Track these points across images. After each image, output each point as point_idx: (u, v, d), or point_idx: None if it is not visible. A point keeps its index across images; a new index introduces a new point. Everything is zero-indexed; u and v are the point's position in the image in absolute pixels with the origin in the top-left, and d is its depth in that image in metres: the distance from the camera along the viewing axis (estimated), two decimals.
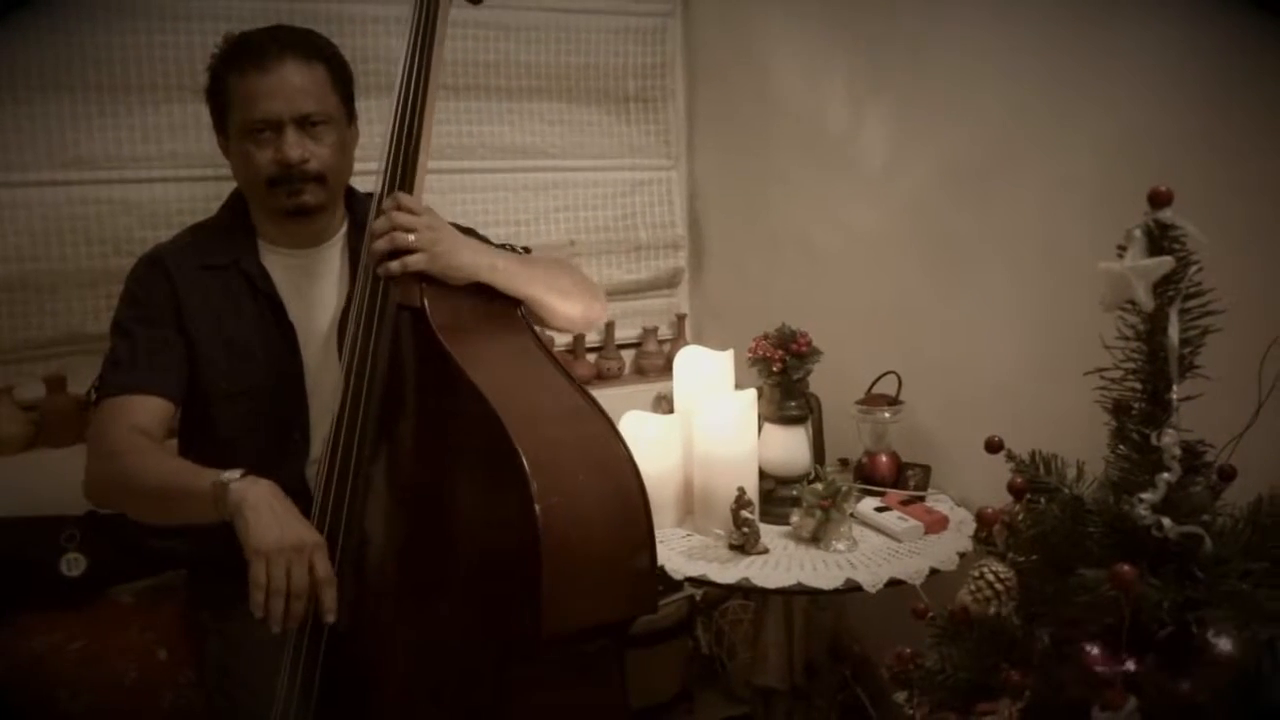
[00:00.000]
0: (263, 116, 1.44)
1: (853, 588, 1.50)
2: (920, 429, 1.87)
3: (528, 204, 2.36)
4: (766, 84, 2.24)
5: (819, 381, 1.78)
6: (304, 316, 1.55)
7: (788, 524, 1.68)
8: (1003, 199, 1.70)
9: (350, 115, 1.55)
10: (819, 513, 1.61)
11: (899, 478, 1.83)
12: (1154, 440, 0.94)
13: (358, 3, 2.09)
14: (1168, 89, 1.40)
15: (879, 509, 1.71)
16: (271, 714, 1.30)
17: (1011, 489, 1.06)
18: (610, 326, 2.43)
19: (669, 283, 2.56)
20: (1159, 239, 0.92)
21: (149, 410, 1.43)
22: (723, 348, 1.84)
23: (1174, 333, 0.92)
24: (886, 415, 1.83)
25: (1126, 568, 0.87)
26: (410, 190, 1.35)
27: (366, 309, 1.31)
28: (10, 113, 1.87)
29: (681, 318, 2.55)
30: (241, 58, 1.46)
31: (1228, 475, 1.02)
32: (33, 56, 1.87)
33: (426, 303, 1.29)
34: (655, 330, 2.51)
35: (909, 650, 1.10)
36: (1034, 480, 1.05)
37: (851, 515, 1.64)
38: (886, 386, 1.87)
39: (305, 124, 1.46)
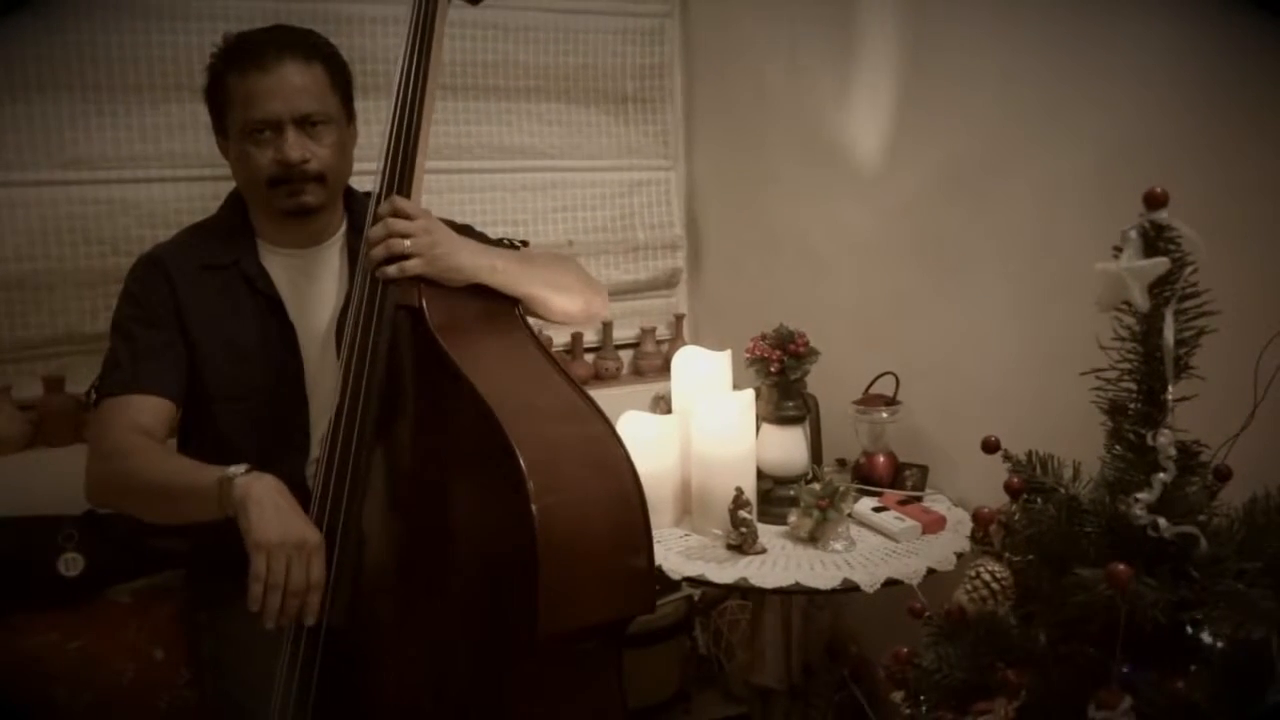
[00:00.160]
0: (263, 117, 1.44)
1: (850, 588, 1.50)
2: (918, 429, 1.87)
3: (526, 204, 2.36)
4: (764, 85, 2.25)
5: (816, 382, 1.79)
6: (303, 316, 1.55)
7: (785, 524, 1.68)
8: (999, 200, 1.70)
9: (349, 115, 1.55)
10: (816, 513, 1.61)
11: (896, 478, 1.83)
12: (1150, 440, 0.94)
13: (356, 3, 2.09)
14: (1164, 89, 1.40)
15: (876, 509, 1.71)
16: (269, 713, 1.30)
17: (1008, 489, 1.06)
18: (608, 327, 2.43)
19: (667, 283, 2.57)
20: (1154, 240, 0.93)
21: (149, 410, 1.44)
22: (720, 348, 1.85)
23: (1169, 333, 0.92)
24: (884, 415, 1.83)
25: (1122, 567, 0.87)
26: (408, 191, 1.35)
27: (365, 310, 1.31)
28: (9, 112, 1.87)
29: (679, 318, 2.56)
30: (241, 58, 1.46)
31: (1223, 475, 1.02)
32: (31, 56, 1.88)
33: (425, 303, 1.29)
34: (653, 330, 2.51)
35: (906, 650, 1.11)
36: (1030, 480, 1.05)
37: (849, 515, 1.65)
38: (884, 387, 1.88)
39: (305, 124, 1.46)
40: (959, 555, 1.58)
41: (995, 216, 1.71)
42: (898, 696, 1.10)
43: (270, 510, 1.22)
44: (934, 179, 1.84)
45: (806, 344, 1.73)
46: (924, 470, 1.83)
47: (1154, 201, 0.92)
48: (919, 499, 1.77)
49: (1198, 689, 0.87)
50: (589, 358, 2.44)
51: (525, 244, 1.61)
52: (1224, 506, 0.99)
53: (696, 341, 2.30)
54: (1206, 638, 0.89)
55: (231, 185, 1.60)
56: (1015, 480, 1.06)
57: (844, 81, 2.02)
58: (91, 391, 1.50)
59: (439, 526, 1.28)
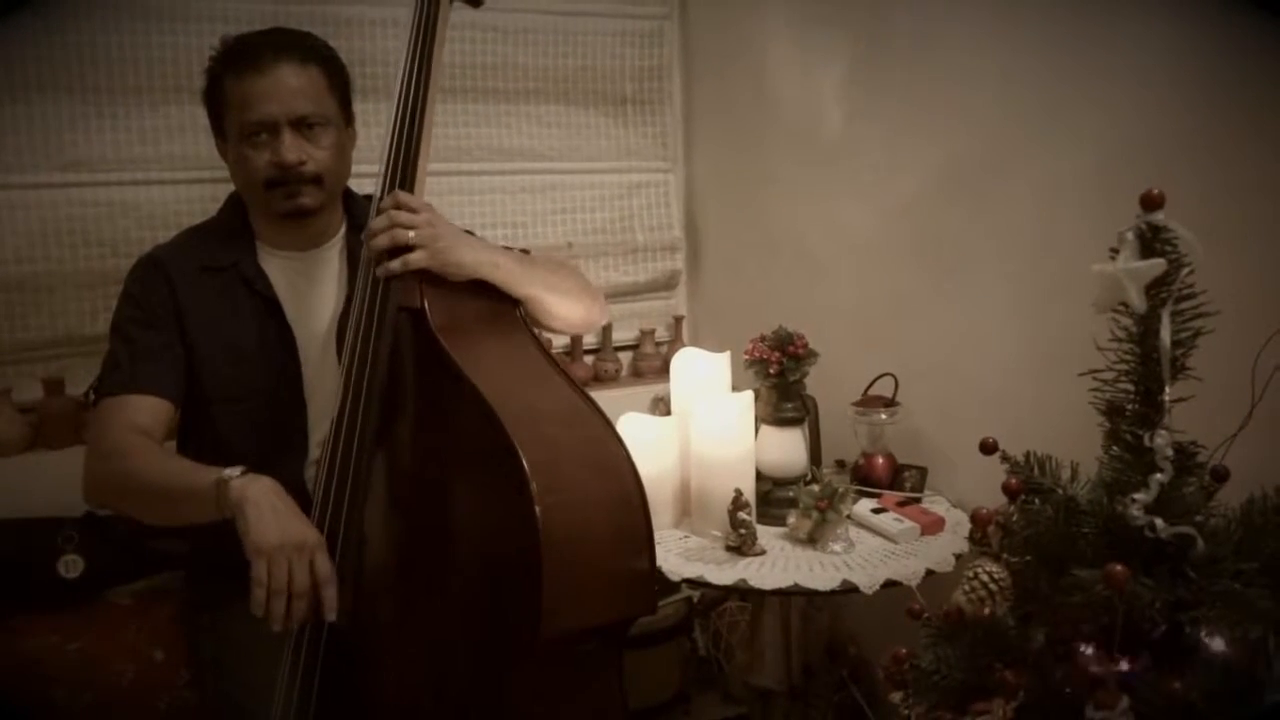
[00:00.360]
0: (259, 119, 1.44)
1: (849, 589, 1.50)
2: (917, 431, 1.88)
3: (525, 206, 2.36)
4: (763, 86, 2.25)
5: (816, 383, 1.79)
6: (302, 318, 1.55)
7: (784, 525, 1.68)
8: (999, 201, 1.71)
9: (348, 117, 1.55)
10: (816, 514, 1.62)
11: (895, 479, 1.83)
12: (1147, 441, 0.94)
13: (356, 5, 2.09)
14: (1164, 90, 1.41)
15: (875, 510, 1.71)
16: (270, 714, 1.30)
17: (1006, 490, 1.06)
18: (608, 329, 2.44)
19: (666, 285, 2.57)
20: (1151, 241, 0.93)
21: (148, 410, 1.44)
22: (720, 350, 1.85)
23: (1166, 334, 0.93)
24: (883, 417, 1.83)
25: (1120, 568, 0.88)
26: (410, 192, 1.35)
27: (366, 311, 1.32)
28: (8, 114, 1.88)
29: (679, 320, 2.56)
30: (238, 60, 1.46)
31: (1220, 476, 1.02)
32: (30, 58, 1.88)
33: (426, 303, 1.30)
34: (652, 332, 2.52)
35: (905, 651, 1.11)
36: (1028, 481, 1.05)
37: (848, 517, 1.65)
38: (883, 388, 1.88)
39: (302, 126, 1.46)
40: (958, 556, 1.58)
41: (994, 217, 1.72)
42: (896, 697, 1.10)
43: (268, 513, 1.22)
44: (933, 180, 1.84)
45: (805, 345, 1.73)
46: (923, 472, 1.83)
47: (1151, 203, 0.93)
48: (918, 500, 1.77)
49: (1195, 689, 0.88)
50: (588, 359, 2.44)
51: (526, 252, 1.61)
52: (1221, 507, 0.99)
53: (696, 343, 2.30)
54: (1204, 638, 0.89)
55: (230, 187, 1.60)
56: (1013, 481, 1.06)
57: (843, 83, 2.02)
58: (90, 392, 1.50)
59: (440, 528, 1.28)
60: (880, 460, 1.83)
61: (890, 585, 1.51)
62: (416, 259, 1.29)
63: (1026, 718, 0.96)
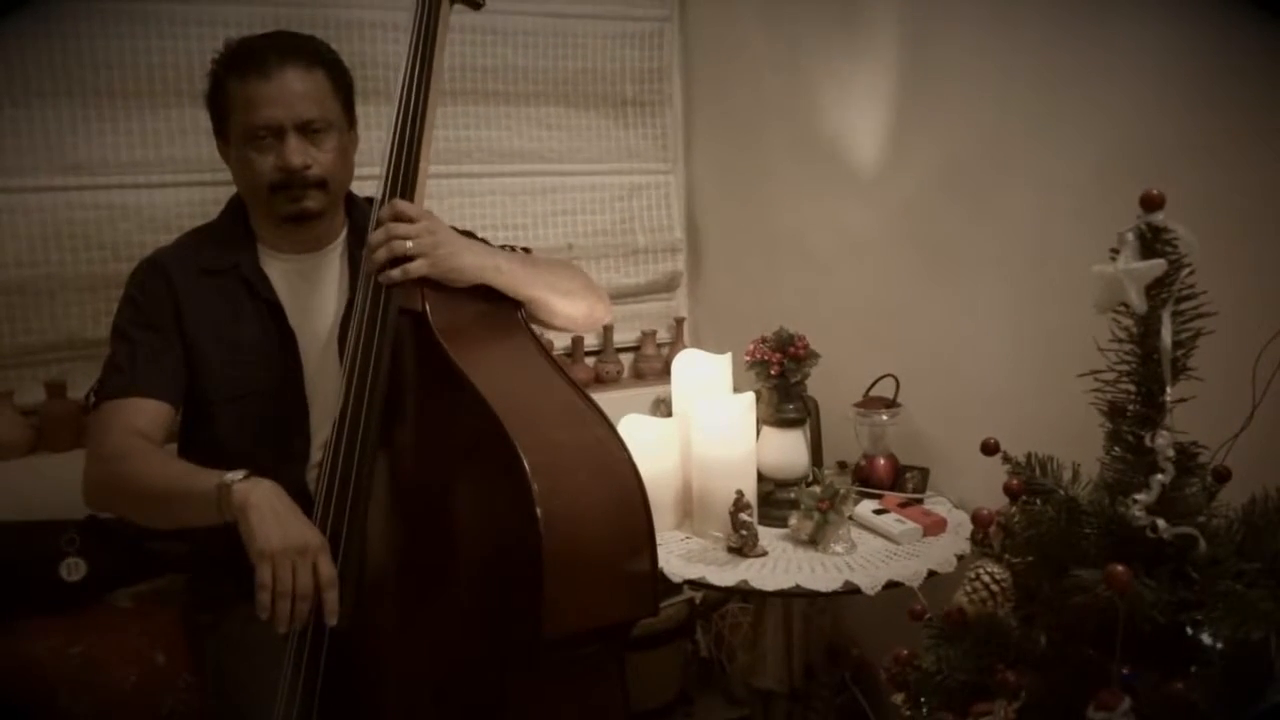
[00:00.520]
0: (264, 122, 1.44)
1: (851, 590, 1.50)
2: (918, 432, 1.88)
3: (526, 208, 2.37)
4: (763, 87, 2.25)
5: (817, 384, 1.79)
6: (303, 321, 1.55)
7: (786, 526, 1.68)
8: (999, 201, 1.70)
9: (351, 121, 1.56)
10: (817, 515, 1.62)
11: (897, 480, 1.83)
12: (1148, 442, 0.94)
13: (357, 8, 2.10)
14: (1164, 90, 1.41)
15: (877, 511, 1.71)
16: (272, 717, 1.30)
17: (1007, 491, 1.06)
18: (609, 330, 2.44)
19: (667, 286, 2.57)
20: (1151, 242, 0.93)
21: (148, 414, 1.44)
22: (721, 351, 1.85)
23: (1167, 335, 0.93)
24: (884, 418, 1.83)
25: (1121, 568, 0.88)
26: (411, 195, 1.35)
27: (368, 315, 1.32)
28: (9, 117, 1.88)
29: (680, 321, 2.56)
30: (243, 63, 1.46)
31: (1222, 476, 1.02)
32: (31, 62, 1.88)
33: (428, 306, 1.30)
34: (654, 334, 2.52)
35: (906, 652, 1.11)
36: (1030, 482, 1.05)
37: (850, 518, 1.65)
38: (884, 389, 1.88)
39: (306, 130, 1.46)
40: (959, 557, 1.58)
41: (995, 218, 1.72)
42: (898, 698, 1.10)
43: (270, 516, 1.22)
44: (933, 181, 1.84)
45: (806, 347, 1.73)
46: (924, 473, 1.83)
47: (1151, 203, 0.93)
48: (919, 501, 1.77)
49: (1197, 690, 0.87)
50: (590, 361, 2.44)
51: (527, 250, 1.61)
52: (1223, 507, 0.99)
53: (697, 344, 2.31)
54: (1206, 639, 0.89)
55: (232, 190, 1.60)
56: (1015, 482, 1.06)
57: (843, 84, 2.02)
58: (91, 394, 1.50)
59: (442, 530, 1.28)
60: (882, 461, 1.83)
61: (892, 586, 1.51)
62: (416, 268, 1.29)
63: (1028, 719, 0.96)
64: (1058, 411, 1.26)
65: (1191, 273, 0.93)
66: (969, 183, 1.76)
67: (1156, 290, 0.93)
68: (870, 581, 1.51)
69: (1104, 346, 0.98)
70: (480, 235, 1.66)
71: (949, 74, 1.78)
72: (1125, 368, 0.97)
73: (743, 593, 1.59)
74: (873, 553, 1.61)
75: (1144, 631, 0.91)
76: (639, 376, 2.49)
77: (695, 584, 1.58)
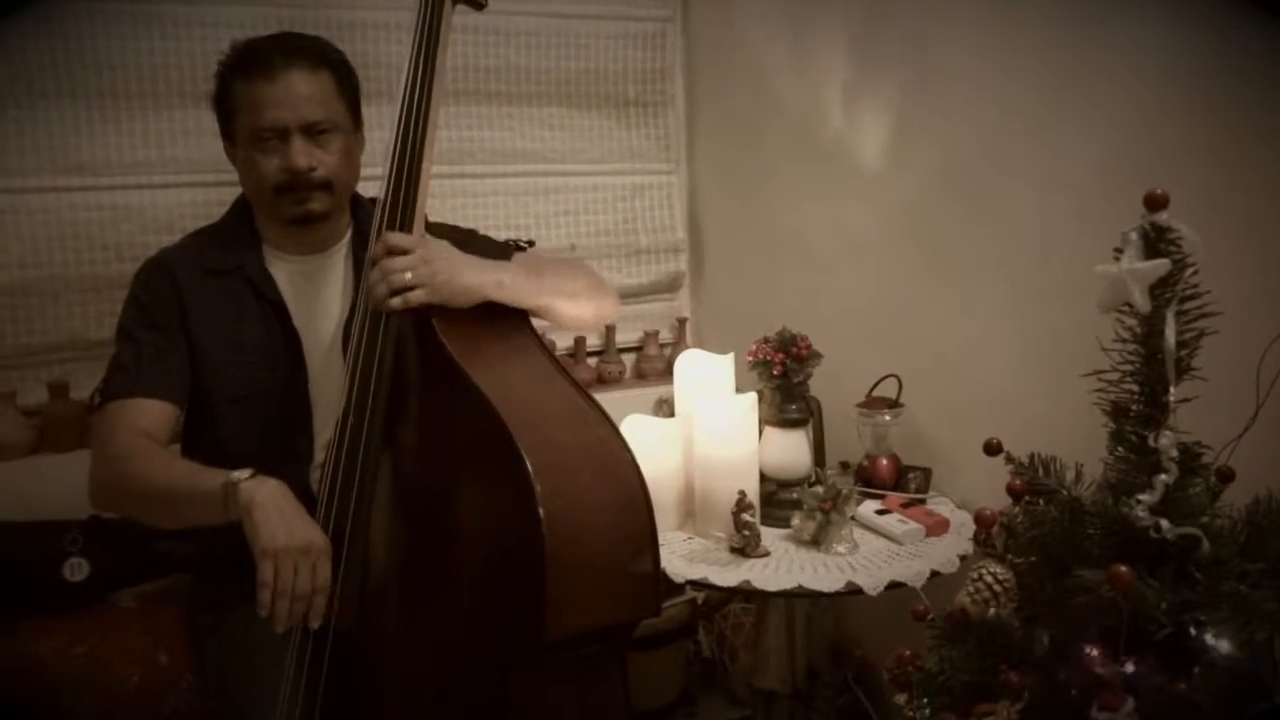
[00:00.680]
0: (269, 124, 1.44)
1: (853, 590, 1.50)
2: (921, 432, 1.87)
3: (528, 208, 2.37)
4: (765, 88, 2.25)
5: (819, 384, 1.79)
6: (308, 322, 1.55)
7: (788, 527, 1.68)
8: (1001, 200, 1.70)
9: (357, 122, 1.56)
10: (820, 515, 1.61)
11: (899, 480, 1.83)
12: (1151, 442, 0.95)
13: (360, 9, 2.10)
14: (1165, 90, 1.41)
15: (879, 512, 1.71)
16: (274, 717, 1.30)
17: (1010, 491, 1.06)
18: (611, 330, 2.44)
19: (669, 287, 2.57)
20: (1155, 242, 0.93)
21: (153, 414, 1.44)
22: (723, 351, 1.85)
23: (1170, 335, 0.93)
24: (887, 418, 1.83)
25: (1124, 569, 0.88)
26: (415, 196, 1.35)
27: (370, 315, 1.32)
28: (12, 118, 1.88)
29: (682, 321, 2.56)
30: (249, 65, 1.46)
31: (1226, 477, 1.02)
32: (34, 63, 1.88)
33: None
34: (656, 334, 2.52)
35: (909, 652, 1.11)
36: (1033, 482, 1.05)
37: (852, 518, 1.65)
38: (887, 389, 1.88)
39: (312, 131, 1.46)
40: (962, 558, 1.58)
41: (997, 218, 1.72)
42: (901, 699, 1.10)
43: (275, 515, 1.22)
44: (935, 181, 1.84)
45: (809, 347, 1.73)
46: (927, 473, 1.83)
47: (1154, 203, 0.93)
48: (922, 502, 1.77)
49: (1200, 691, 0.87)
50: (592, 361, 2.44)
51: (531, 244, 1.60)
52: (1226, 508, 0.99)
53: (699, 345, 2.30)
54: (1209, 639, 0.89)
55: (235, 191, 1.60)
56: (1017, 482, 1.06)
57: (845, 84, 2.02)
58: (96, 395, 1.50)
59: (445, 531, 1.28)
60: (884, 461, 1.83)
61: (894, 587, 1.51)
62: (416, 297, 1.28)
63: (1031, 719, 0.95)
64: (1061, 411, 1.26)
65: (1195, 272, 0.93)
66: (971, 183, 1.76)
67: (1160, 290, 0.93)
68: (873, 582, 1.51)
69: (1107, 346, 0.98)
70: (483, 234, 1.67)
71: (950, 74, 1.78)
72: (1129, 368, 0.97)
73: (745, 593, 1.59)
74: (875, 553, 1.61)
75: (1147, 632, 0.90)
76: (641, 377, 2.49)
77: (698, 584, 1.58)
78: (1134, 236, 0.94)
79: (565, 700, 1.24)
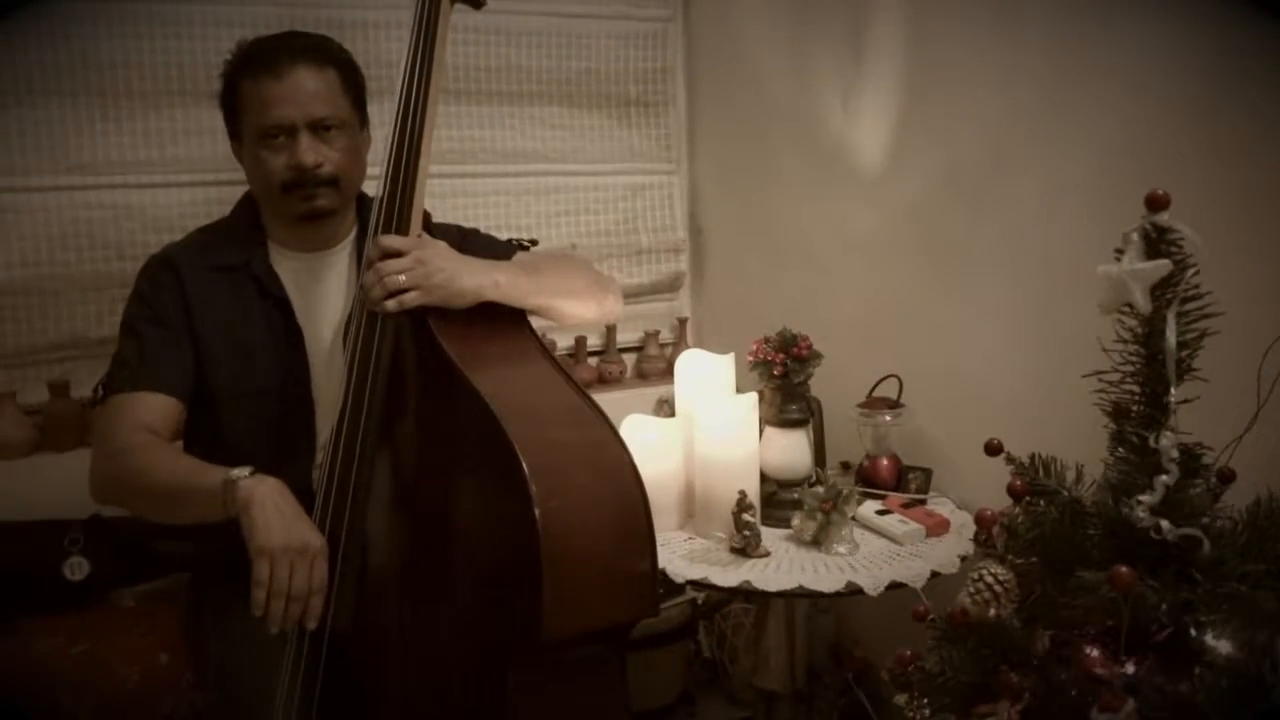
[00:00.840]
0: (276, 122, 1.45)
1: (854, 591, 1.50)
2: (921, 432, 1.87)
3: (529, 208, 2.37)
4: (766, 87, 2.25)
5: (820, 385, 1.79)
6: (311, 320, 1.55)
7: (789, 527, 1.68)
8: (1002, 202, 1.70)
9: (363, 120, 1.56)
10: (820, 516, 1.61)
11: (900, 481, 1.83)
12: (1152, 443, 0.94)
13: (361, 8, 2.10)
14: (1166, 90, 1.41)
15: (880, 512, 1.71)
16: (273, 717, 1.30)
17: (1011, 491, 1.06)
18: (612, 330, 2.44)
19: (670, 287, 2.57)
20: (1156, 242, 0.93)
21: (156, 408, 1.44)
22: (724, 351, 1.85)
23: (1171, 336, 0.93)
24: (887, 418, 1.83)
25: (1125, 570, 0.87)
26: (412, 196, 1.35)
27: (367, 323, 1.32)
28: (14, 117, 1.88)
29: (683, 321, 2.56)
30: (255, 63, 1.46)
31: (1226, 478, 1.02)
32: (35, 62, 1.88)
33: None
34: (656, 334, 2.52)
35: (909, 653, 1.11)
36: (1033, 483, 1.05)
37: (853, 518, 1.64)
38: (887, 390, 1.87)
39: (318, 129, 1.47)
40: (962, 558, 1.58)
41: (998, 218, 1.71)
42: (901, 699, 1.10)
43: (273, 514, 1.22)
44: (936, 181, 1.84)
45: (810, 347, 1.73)
46: (928, 473, 1.83)
47: (1156, 204, 0.93)
48: (923, 502, 1.77)
49: (1201, 692, 0.87)
50: (592, 361, 2.44)
51: (534, 243, 1.60)
52: (1227, 509, 0.99)
53: (700, 345, 2.30)
54: (1210, 640, 0.89)
55: (236, 190, 1.60)
56: (1018, 483, 1.06)
57: (846, 83, 2.02)
58: (99, 388, 1.50)
59: (443, 531, 1.28)
60: (885, 462, 1.83)
61: (895, 587, 1.51)
62: (411, 299, 1.29)
63: None
64: (1061, 412, 1.26)
65: (1197, 273, 0.93)
66: (972, 183, 1.76)
67: (1161, 291, 0.93)
68: (873, 582, 1.50)
69: (1108, 347, 0.98)
70: (485, 233, 1.67)
71: (952, 74, 1.78)
72: (1130, 368, 0.97)
73: (745, 593, 1.59)
74: (875, 553, 1.61)
75: (1148, 633, 0.90)
76: (642, 377, 2.49)
77: (698, 584, 1.58)
78: (1135, 237, 0.94)
79: (564, 701, 1.23)
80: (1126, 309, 0.96)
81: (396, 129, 1.35)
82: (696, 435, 1.70)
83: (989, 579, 1.02)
